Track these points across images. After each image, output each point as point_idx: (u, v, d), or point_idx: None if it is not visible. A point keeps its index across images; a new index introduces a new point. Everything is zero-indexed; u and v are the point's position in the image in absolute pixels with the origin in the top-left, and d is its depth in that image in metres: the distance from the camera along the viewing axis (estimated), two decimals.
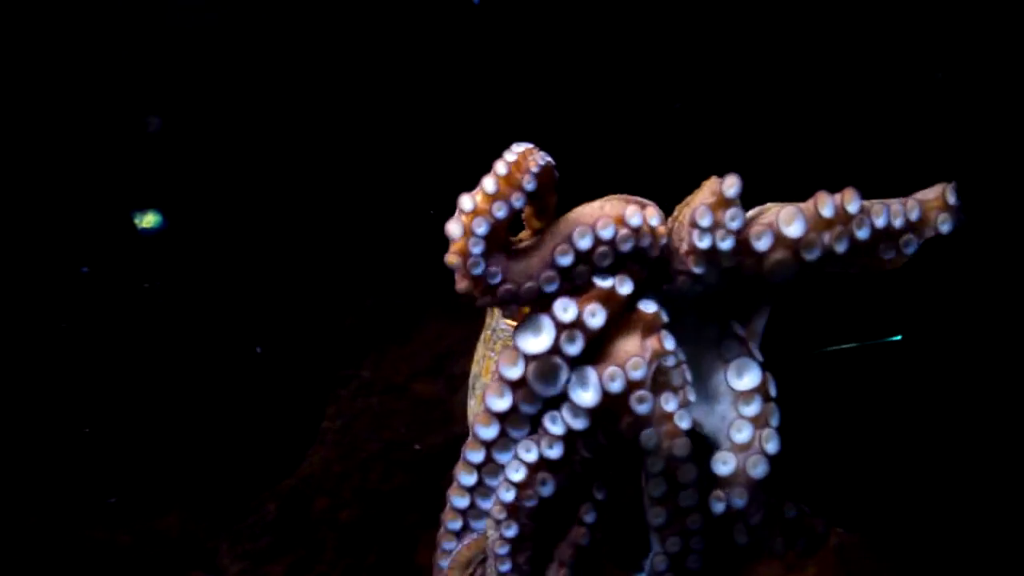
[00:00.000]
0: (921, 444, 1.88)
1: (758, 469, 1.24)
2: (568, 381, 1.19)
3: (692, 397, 1.25)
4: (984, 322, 1.88)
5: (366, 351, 2.09)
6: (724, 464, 1.23)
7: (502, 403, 1.20)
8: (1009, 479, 1.76)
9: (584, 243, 1.19)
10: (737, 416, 1.25)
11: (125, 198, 2.08)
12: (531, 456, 1.20)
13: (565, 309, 1.19)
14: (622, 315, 1.23)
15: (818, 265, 1.25)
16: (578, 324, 1.19)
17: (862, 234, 1.22)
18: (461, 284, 1.18)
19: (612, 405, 1.18)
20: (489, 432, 1.22)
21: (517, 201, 1.17)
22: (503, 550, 1.26)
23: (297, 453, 1.99)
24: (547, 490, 1.21)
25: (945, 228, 1.23)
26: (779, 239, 1.23)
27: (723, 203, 1.22)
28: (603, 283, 1.20)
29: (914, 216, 1.25)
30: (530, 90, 2.00)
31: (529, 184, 1.16)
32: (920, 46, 1.93)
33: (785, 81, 1.93)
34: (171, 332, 2.12)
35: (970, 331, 1.89)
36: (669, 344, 1.21)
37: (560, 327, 1.18)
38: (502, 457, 1.24)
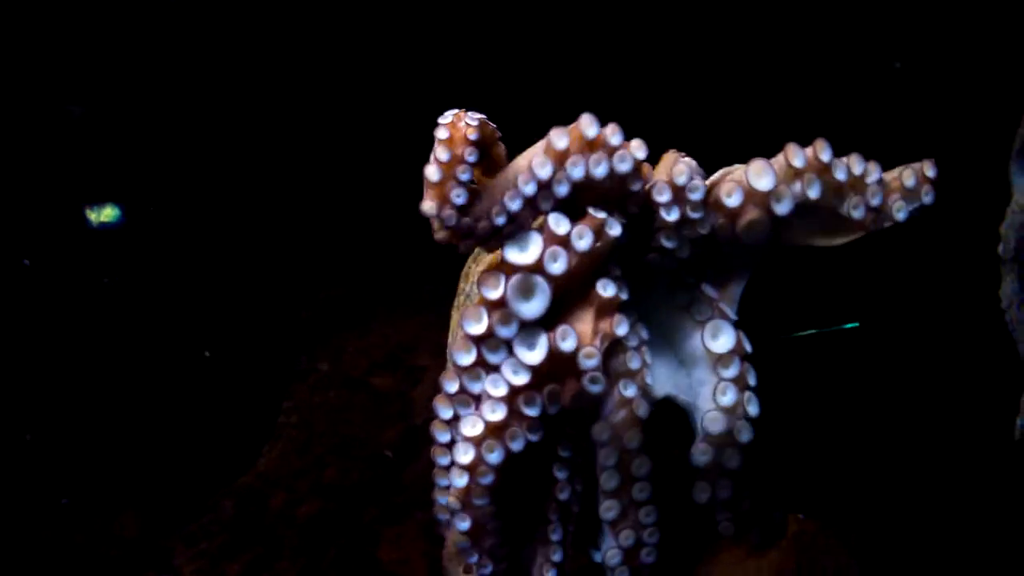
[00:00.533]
0: (881, 432, 1.88)
1: (743, 435, 1.25)
2: (543, 307, 1.19)
3: (650, 380, 1.25)
4: (939, 310, 1.89)
5: (323, 344, 2.06)
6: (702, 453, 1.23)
7: (479, 327, 1.19)
8: (967, 466, 1.77)
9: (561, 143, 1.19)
10: (719, 379, 1.25)
11: (75, 191, 2.03)
12: (476, 430, 1.18)
13: (558, 223, 1.20)
14: (584, 287, 1.22)
15: (791, 221, 1.24)
16: (566, 242, 1.19)
17: (840, 175, 1.23)
18: (440, 234, 1.17)
19: (558, 367, 1.16)
20: (467, 358, 1.21)
21: (470, 156, 1.17)
22: (464, 543, 1.24)
23: (253, 449, 1.96)
24: (496, 457, 1.18)
25: (927, 199, 1.25)
26: (749, 194, 1.23)
27: (677, 188, 1.22)
28: (597, 214, 1.20)
29: (890, 178, 1.26)
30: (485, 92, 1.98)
31: (472, 135, 1.18)
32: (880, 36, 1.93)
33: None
34: (125, 328, 2.08)
35: (926, 318, 1.90)
36: (621, 330, 1.20)
37: (549, 240, 1.19)
38: (474, 387, 1.22)
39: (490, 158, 1.27)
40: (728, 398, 1.26)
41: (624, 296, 1.24)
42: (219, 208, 2.08)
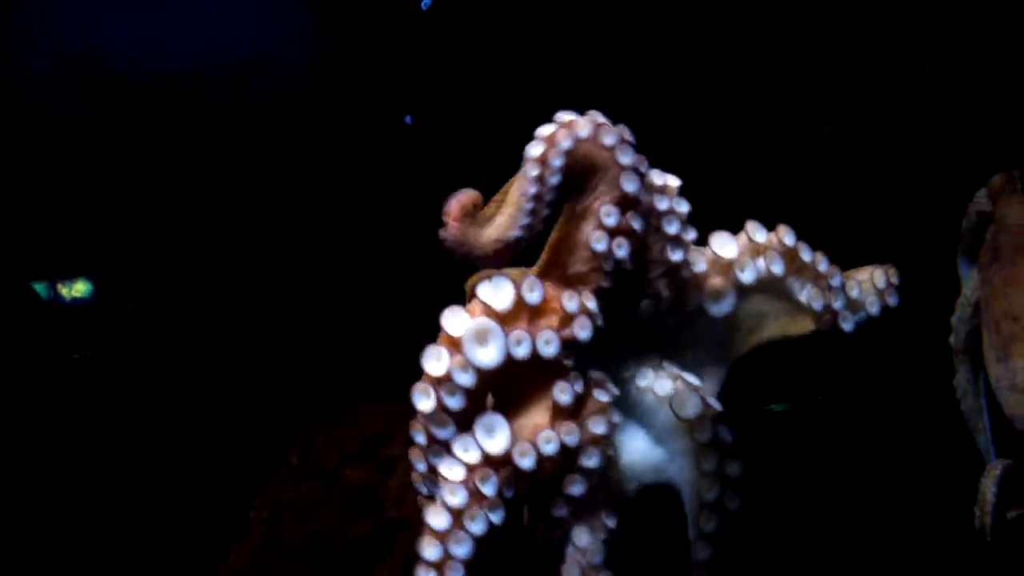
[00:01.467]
0: (837, 518, 1.91)
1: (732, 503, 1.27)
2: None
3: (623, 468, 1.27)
4: (896, 399, 1.94)
5: (294, 436, 2.06)
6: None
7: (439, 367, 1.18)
8: (924, 555, 1.80)
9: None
10: (697, 445, 1.26)
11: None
12: (441, 521, 1.18)
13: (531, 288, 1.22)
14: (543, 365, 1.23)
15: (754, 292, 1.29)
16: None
17: (805, 256, 1.28)
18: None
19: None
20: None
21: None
22: None
23: (222, 545, 1.94)
24: (463, 550, 1.18)
25: (892, 301, 1.30)
26: (713, 262, 1.28)
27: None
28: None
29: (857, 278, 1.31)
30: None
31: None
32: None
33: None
34: (93, 413, 2.06)
35: (884, 406, 1.95)
36: (570, 439, 1.21)
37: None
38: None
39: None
40: (710, 463, 1.28)
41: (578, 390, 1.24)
42: (197, 295, 2.09)
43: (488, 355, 1.18)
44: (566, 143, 1.20)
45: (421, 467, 1.25)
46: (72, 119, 1.96)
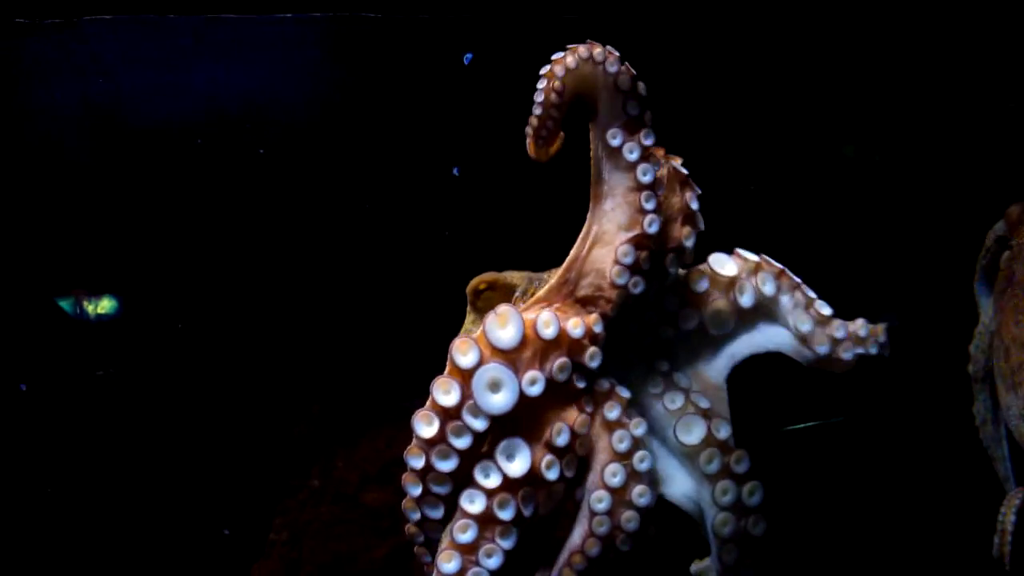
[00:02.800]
0: (856, 545, 1.91)
1: (758, 528, 1.25)
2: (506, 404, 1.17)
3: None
4: (916, 426, 1.93)
5: (314, 458, 2.08)
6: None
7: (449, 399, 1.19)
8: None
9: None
10: (714, 506, 1.25)
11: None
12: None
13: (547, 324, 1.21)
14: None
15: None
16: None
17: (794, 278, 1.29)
18: None
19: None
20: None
21: None
22: None
23: (242, 567, 1.95)
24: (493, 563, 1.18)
25: (872, 350, 1.30)
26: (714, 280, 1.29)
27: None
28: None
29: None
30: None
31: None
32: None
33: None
34: (115, 430, 2.08)
35: (905, 434, 1.94)
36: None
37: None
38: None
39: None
40: (728, 497, 1.25)
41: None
42: (216, 318, 2.12)
43: (500, 401, 1.18)
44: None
45: (415, 506, 1.27)
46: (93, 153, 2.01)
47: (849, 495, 1.94)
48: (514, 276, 1.35)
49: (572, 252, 1.27)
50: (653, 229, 1.23)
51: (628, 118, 1.21)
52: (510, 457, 1.19)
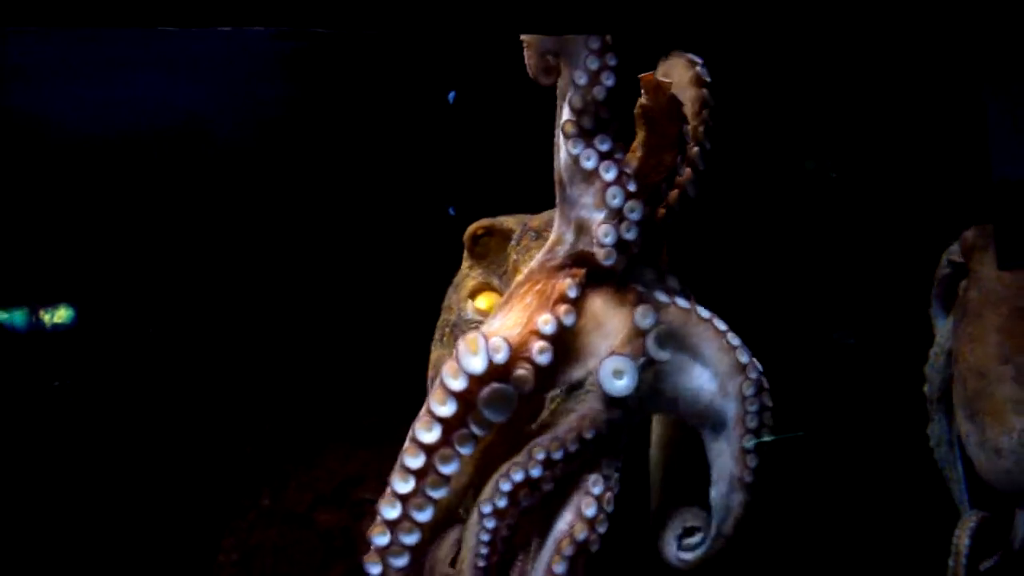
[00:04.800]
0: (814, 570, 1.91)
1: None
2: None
3: None
4: (870, 447, 1.95)
5: (266, 478, 2.04)
6: None
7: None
8: None
9: None
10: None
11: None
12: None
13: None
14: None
15: None
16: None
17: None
18: None
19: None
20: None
21: None
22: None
23: None
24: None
25: None
26: None
27: None
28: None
29: None
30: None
31: None
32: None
33: None
34: (68, 443, 2.03)
35: (858, 455, 1.95)
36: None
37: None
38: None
39: None
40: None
41: None
42: (168, 335, 2.08)
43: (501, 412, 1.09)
44: None
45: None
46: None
47: (803, 514, 1.94)
48: (508, 221, 1.33)
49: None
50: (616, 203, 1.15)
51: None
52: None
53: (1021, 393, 1.42)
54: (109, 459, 2.03)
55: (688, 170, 1.22)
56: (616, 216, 1.15)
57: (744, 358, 1.17)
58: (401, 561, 1.10)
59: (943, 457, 1.67)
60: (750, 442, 1.19)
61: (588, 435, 1.12)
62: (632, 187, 1.15)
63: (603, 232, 1.15)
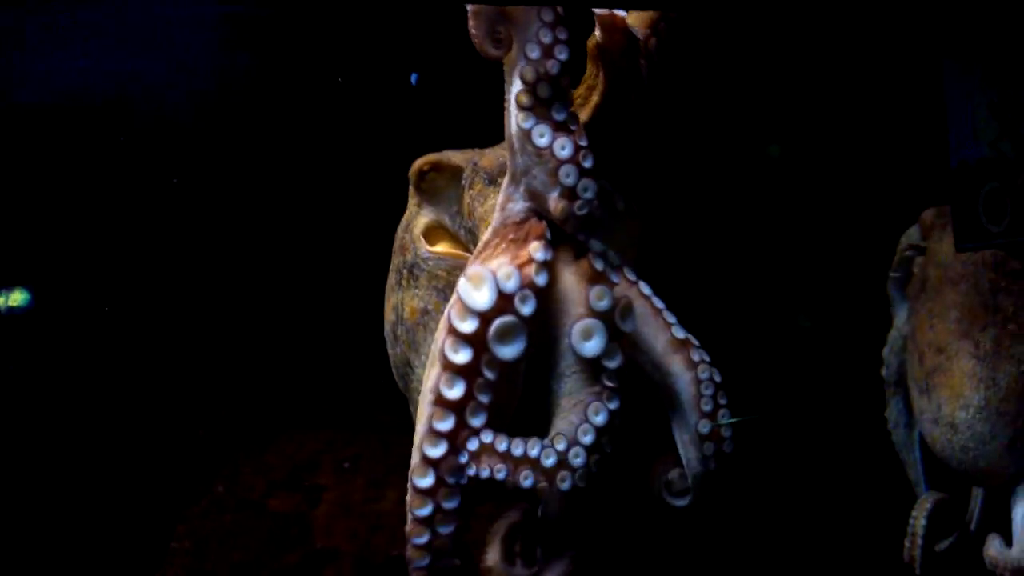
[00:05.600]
0: (767, 548, 1.91)
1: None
2: None
3: None
4: (828, 429, 1.95)
5: (218, 464, 2.01)
6: None
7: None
8: None
9: None
10: None
11: None
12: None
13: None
14: None
15: None
16: None
17: None
18: None
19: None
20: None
21: None
22: None
23: None
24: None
25: None
26: None
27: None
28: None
29: None
30: None
31: None
32: None
33: None
34: (17, 428, 1.98)
35: (815, 438, 1.96)
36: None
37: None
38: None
39: None
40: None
41: None
42: (126, 318, 2.04)
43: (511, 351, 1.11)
44: None
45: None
46: None
47: (760, 498, 1.94)
48: (455, 156, 1.29)
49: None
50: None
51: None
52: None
53: (978, 368, 1.42)
54: (60, 445, 1.99)
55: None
56: (570, 194, 1.14)
57: (680, 334, 1.19)
58: (448, 528, 1.11)
59: (900, 439, 1.68)
60: (705, 427, 1.19)
61: None
62: (587, 163, 1.14)
63: (558, 210, 1.14)
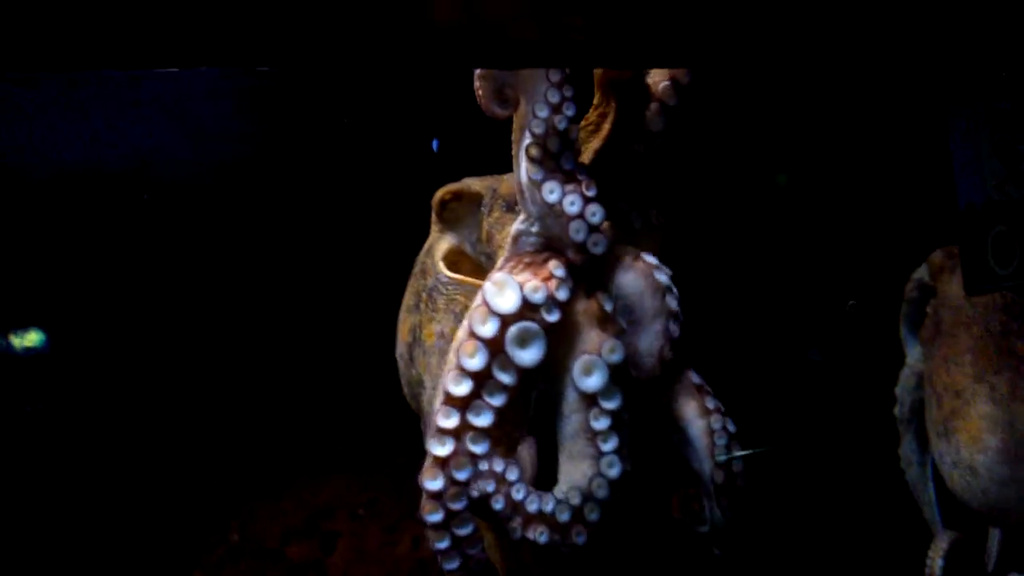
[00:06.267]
0: None
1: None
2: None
3: None
4: (843, 469, 1.94)
5: (233, 512, 2.00)
6: None
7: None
8: None
9: None
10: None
11: None
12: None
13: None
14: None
15: None
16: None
17: None
18: None
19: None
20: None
21: None
22: None
23: None
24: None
25: None
26: None
27: None
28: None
29: None
30: None
31: None
32: None
33: None
34: (37, 470, 1.98)
35: (831, 476, 1.95)
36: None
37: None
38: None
39: None
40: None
41: None
42: (130, 360, 2.04)
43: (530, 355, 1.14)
44: None
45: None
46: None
47: (774, 535, 1.93)
48: (475, 184, 1.32)
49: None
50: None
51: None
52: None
53: (995, 411, 1.42)
54: (76, 489, 1.99)
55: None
56: (581, 248, 1.16)
57: (695, 379, 1.23)
58: (466, 530, 1.14)
59: (914, 478, 1.67)
60: (719, 477, 1.19)
61: None
62: (596, 218, 1.16)
63: (574, 259, 1.16)
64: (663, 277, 1.19)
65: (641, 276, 1.18)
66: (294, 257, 2.03)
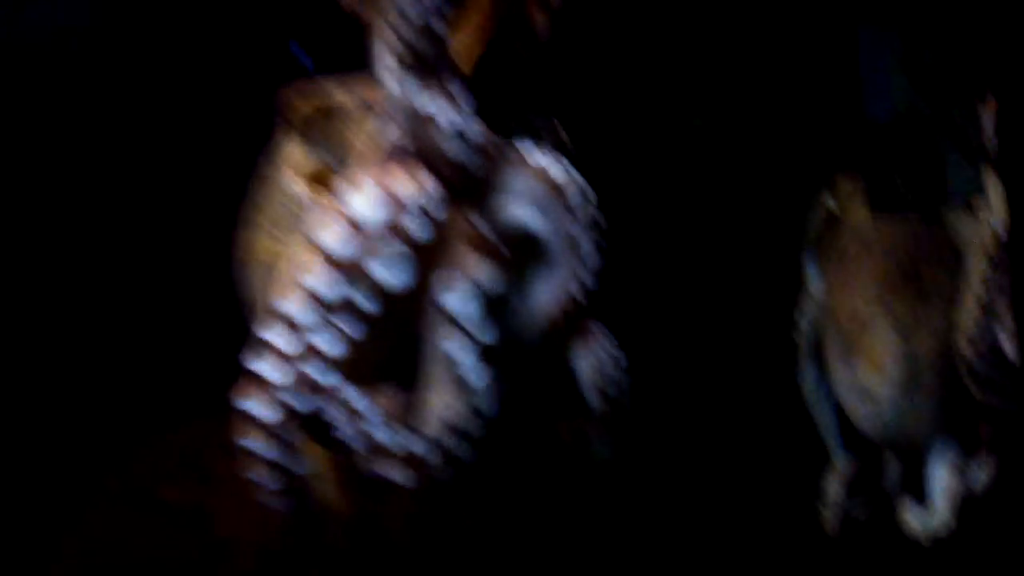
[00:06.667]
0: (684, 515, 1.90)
1: None
2: None
3: None
4: (742, 395, 1.93)
5: (109, 457, 1.90)
6: None
7: None
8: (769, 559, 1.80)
9: None
10: None
11: None
12: None
13: None
14: None
15: None
16: None
17: None
18: None
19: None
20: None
21: None
22: None
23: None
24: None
25: None
26: None
27: None
28: None
29: None
30: None
31: None
32: None
33: None
34: None
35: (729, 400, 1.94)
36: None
37: None
38: None
39: None
40: None
41: None
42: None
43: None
44: None
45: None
46: None
47: (673, 463, 1.91)
48: (338, 92, 1.20)
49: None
50: None
51: None
52: None
53: (897, 340, 1.41)
54: None
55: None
56: (458, 168, 1.06)
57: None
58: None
59: (815, 403, 1.67)
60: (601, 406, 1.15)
61: None
62: (475, 137, 1.05)
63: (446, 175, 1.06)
64: (559, 172, 1.08)
65: (534, 178, 1.09)
66: (133, 172, 1.88)
